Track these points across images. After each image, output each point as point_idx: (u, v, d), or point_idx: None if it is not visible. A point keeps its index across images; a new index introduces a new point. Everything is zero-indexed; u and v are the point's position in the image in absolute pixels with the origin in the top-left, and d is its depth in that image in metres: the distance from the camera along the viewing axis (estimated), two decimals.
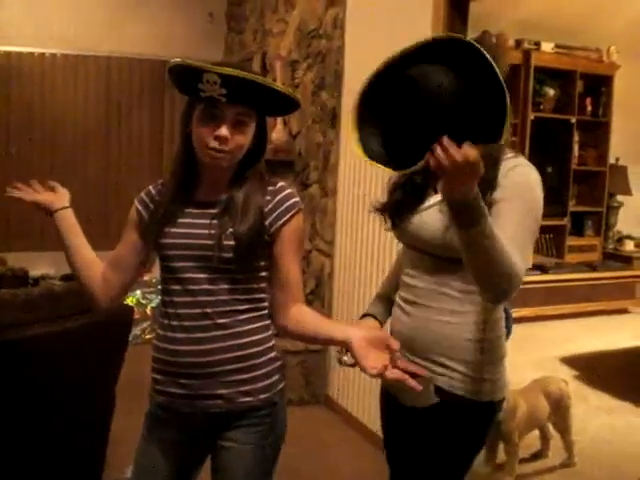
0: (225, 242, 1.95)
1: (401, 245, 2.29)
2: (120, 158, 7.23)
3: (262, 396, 2.04)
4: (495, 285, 1.82)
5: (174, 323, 2.01)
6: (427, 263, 2.10)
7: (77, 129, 7.04)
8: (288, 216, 2.03)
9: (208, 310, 1.99)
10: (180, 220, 2.02)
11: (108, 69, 7.09)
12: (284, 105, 2.07)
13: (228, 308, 2.00)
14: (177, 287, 2.01)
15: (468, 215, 1.70)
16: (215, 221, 1.99)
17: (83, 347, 3.07)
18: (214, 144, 1.93)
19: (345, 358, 2.14)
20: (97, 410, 3.28)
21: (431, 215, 2.04)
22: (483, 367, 2.06)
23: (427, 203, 2.08)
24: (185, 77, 1.94)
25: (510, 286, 1.81)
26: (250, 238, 1.97)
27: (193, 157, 2.02)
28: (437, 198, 2.04)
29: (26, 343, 2.86)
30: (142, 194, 2.15)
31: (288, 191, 2.06)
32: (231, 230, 1.96)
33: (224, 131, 1.92)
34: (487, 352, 2.07)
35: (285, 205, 2.03)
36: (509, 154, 2.03)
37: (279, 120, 5.50)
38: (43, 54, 6.84)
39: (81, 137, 7.05)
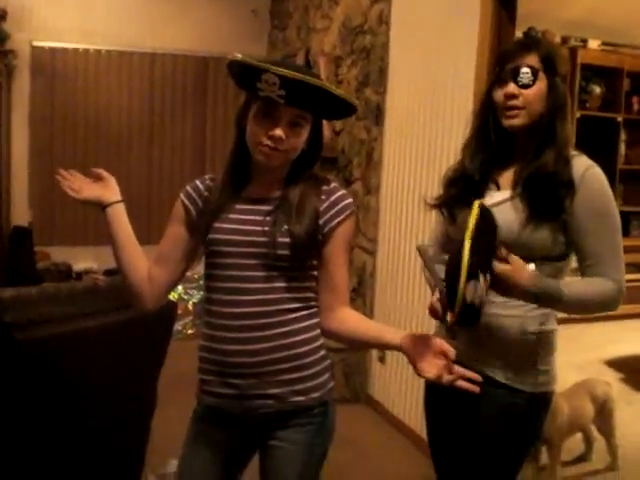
0: (280, 239, 1.93)
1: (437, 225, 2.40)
2: (162, 155, 7.25)
3: (313, 395, 2.03)
4: (601, 311, 2.05)
5: (222, 322, 1.98)
6: None
7: (120, 125, 7.08)
8: (342, 217, 2.02)
9: (258, 309, 1.96)
10: (231, 216, 1.99)
11: (152, 65, 7.12)
12: (341, 109, 2.05)
13: (279, 307, 1.98)
14: (226, 284, 1.98)
15: (545, 301, 1.98)
16: (269, 218, 1.97)
17: (126, 342, 3.07)
18: (267, 142, 1.91)
19: None
20: (139, 406, 3.28)
21: (504, 212, 2.05)
22: (539, 359, 2.12)
23: (493, 199, 2.12)
24: (244, 74, 1.95)
25: (615, 305, 2.06)
26: (307, 236, 1.95)
27: (246, 154, 2.01)
28: (505, 194, 2.12)
29: (69, 337, 2.87)
30: (188, 188, 2.12)
31: (342, 192, 2.05)
32: (286, 227, 1.94)
33: (279, 132, 1.91)
34: (544, 344, 2.13)
35: (339, 206, 2.02)
36: (573, 151, 2.11)
37: None
38: (87, 50, 6.88)
39: (124, 134, 7.09)
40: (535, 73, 2.07)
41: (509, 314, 2.10)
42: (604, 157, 7.87)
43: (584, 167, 2.04)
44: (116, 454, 3.18)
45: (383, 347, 2.06)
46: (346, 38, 5.47)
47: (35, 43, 6.69)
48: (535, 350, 2.12)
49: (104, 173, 2.14)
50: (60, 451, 2.91)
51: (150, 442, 3.38)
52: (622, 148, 8.10)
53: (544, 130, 2.08)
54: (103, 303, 3.03)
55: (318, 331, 2.07)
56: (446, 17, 4.12)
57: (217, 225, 1.98)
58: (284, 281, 1.98)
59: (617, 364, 5.99)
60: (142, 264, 2.08)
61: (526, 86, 2.07)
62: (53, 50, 6.78)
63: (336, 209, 2.01)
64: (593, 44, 7.60)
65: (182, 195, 2.12)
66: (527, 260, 1.99)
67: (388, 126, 4.84)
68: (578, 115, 7.53)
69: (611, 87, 7.93)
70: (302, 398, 2.01)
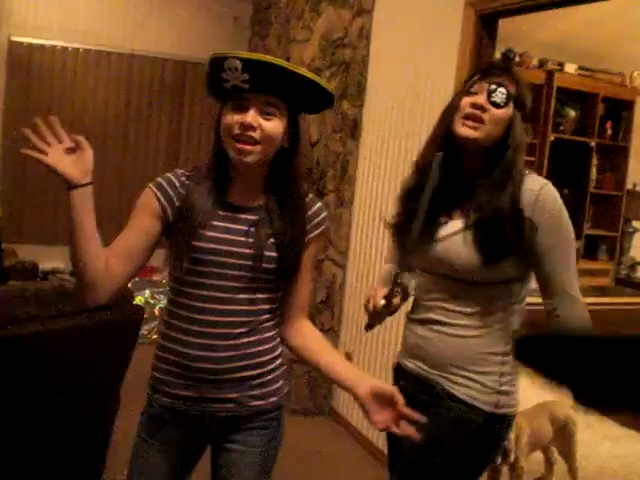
0: (267, 253, 1.93)
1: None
2: (136, 157, 7.22)
3: (271, 399, 2.07)
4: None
5: (192, 328, 1.96)
6: (446, 285, 2.17)
7: (95, 125, 7.03)
8: (319, 231, 2.05)
9: (233, 319, 1.96)
10: (215, 223, 1.95)
11: (130, 67, 7.09)
12: (317, 99, 2.01)
13: (253, 318, 1.99)
14: (202, 292, 1.95)
15: None
16: (253, 229, 1.95)
17: (91, 345, 3.04)
18: (239, 131, 1.87)
19: None
20: (101, 409, 3.25)
21: (459, 246, 2.08)
22: (502, 379, 2.13)
23: (446, 231, 2.13)
24: (212, 73, 1.92)
25: (588, 320, 2.15)
26: (293, 250, 1.97)
27: (226, 159, 1.97)
28: (457, 224, 2.12)
29: (33, 338, 2.84)
30: (162, 182, 2.01)
31: (320, 204, 2.08)
32: (272, 241, 1.94)
33: (249, 117, 1.86)
34: (507, 364, 2.13)
35: (318, 219, 2.05)
36: (525, 170, 2.11)
37: None
38: (66, 48, 6.83)
39: (99, 133, 7.04)
40: (509, 98, 2.06)
41: (474, 334, 2.13)
42: (575, 180, 7.98)
43: (538, 186, 2.05)
44: (77, 456, 3.15)
45: (338, 384, 2.04)
46: (326, 50, 5.47)
47: (13, 38, 6.64)
48: (497, 371, 2.13)
49: (84, 143, 1.91)
50: (20, 451, 2.87)
51: (111, 446, 3.36)
52: (593, 172, 8.18)
53: (502, 162, 2.06)
54: (70, 305, 3.00)
55: (279, 339, 2.10)
56: (427, 34, 4.14)
57: (202, 232, 1.93)
58: (263, 292, 1.99)
59: None
60: (100, 254, 1.91)
61: (497, 105, 2.05)
62: (31, 46, 6.72)
63: (314, 222, 2.03)
64: (570, 68, 7.67)
65: (154, 188, 2.01)
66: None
67: (364, 140, 4.85)
68: (552, 138, 7.60)
69: (586, 112, 8.01)
70: (261, 402, 2.04)
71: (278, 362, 2.09)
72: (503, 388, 2.13)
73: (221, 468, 2.10)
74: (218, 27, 7.25)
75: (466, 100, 2.08)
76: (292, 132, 1.98)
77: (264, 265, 1.93)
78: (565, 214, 2.06)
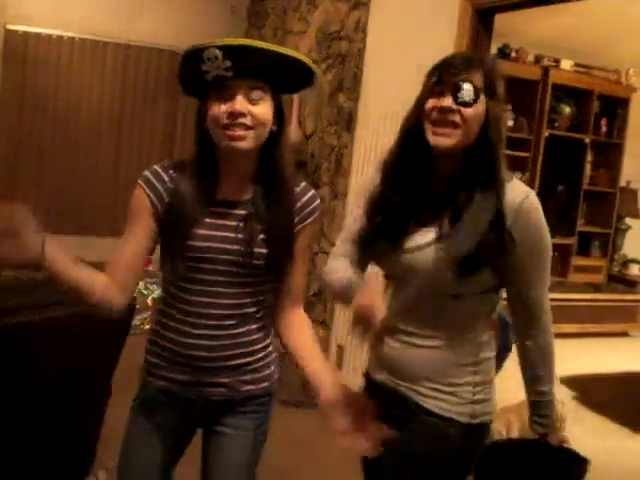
0: (257, 249, 1.92)
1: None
2: (131, 146, 7.20)
3: (263, 385, 2.09)
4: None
5: (188, 319, 1.97)
6: (415, 294, 2.02)
7: (90, 115, 7.01)
8: (311, 219, 2.03)
9: (226, 312, 1.97)
10: (207, 220, 1.92)
11: (125, 57, 7.06)
12: (299, 77, 1.95)
13: (246, 310, 2.00)
14: (196, 287, 1.95)
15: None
16: (242, 224, 1.93)
17: (83, 335, 3.04)
18: (228, 121, 1.81)
19: None
20: (92, 399, 3.25)
21: (431, 257, 1.91)
22: (476, 389, 2.03)
23: (416, 241, 1.95)
24: (189, 68, 1.87)
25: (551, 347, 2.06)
26: (283, 246, 1.96)
27: (212, 153, 1.93)
28: (429, 235, 1.94)
29: (26, 328, 2.83)
30: (151, 177, 1.97)
31: (312, 192, 2.05)
32: (262, 237, 1.93)
33: (238, 105, 1.81)
34: (480, 373, 2.04)
35: (310, 207, 2.02)
36: (506, 176, 1.94)
37: (294, 120, 5.48)
38: (62, 37, 6.80)
39: (94, 123, 7.03)
40: (477, 93, 1.86)
41: (444, 344, 2.01)
42: (569, 177, 8.00)
43: (522, 195, 1.90)
44: (67, 446, 3.15)
45: (307, 380, 2.08)
46: (322, 43, 5.47)
47: (9, 26, 6.60)
48: (470, 380, 2.02)
49: (17, 225, 1.64)
50: (9, 441, 2.87)
51: (102, 435, 3.36)
52: (588, 169, 8.20)
53: (482, 163, 1.90)
54: (62, 294, 2.99)
55: (271, 328, 2.13)
56: (423, 27, 4.14)
57: (194, 231, 1.90)
58: (253, 286, 1.99)
59: (571, 382, 6.04)
60: (97, 281, 1.87)
61: (466, 104, 1.85)
62: (26, 35, 6.69)
63: (307, 210, 2.02)
64: (566, 65, 7.68)
65: (143, 184, 1.97)
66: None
67: (359, 133, 4.85)
68: (546, 134, 7.62)
69: (581, 108, 8.03)
70: (253, 387, 2.06)
71: (269, 350, 2.11)
72: (477, 397, 2.02)
73: (212, 451, 2.12)
74: (215, 18, 7.22)
75: (431, 103, 1.90)
76: (277, 116, 1.92)
77: (254, 262, 1.93)
78: (546, 227, 1.95)
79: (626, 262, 8.58)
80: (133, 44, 7.03)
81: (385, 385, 2.11)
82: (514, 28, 6.33)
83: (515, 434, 3.74)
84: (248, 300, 2.00)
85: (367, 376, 2.24)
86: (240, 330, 2.00)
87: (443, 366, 2.01)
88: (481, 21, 3.67)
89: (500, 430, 3.59)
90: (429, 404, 2.01)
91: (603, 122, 8.19)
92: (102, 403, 3.31)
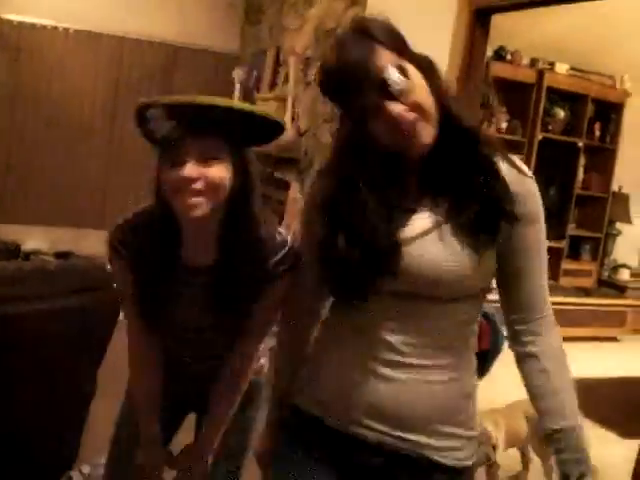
0: (208, 324, 1.87)
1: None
2: (124, 138, 7.17)
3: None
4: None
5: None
6: (420, 310, 1.56)
7: (83, 106, 7.00)
8: (286, 276, 1.81)
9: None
10: (175, 290, 1.83)
11: (120, 49, 7.04)
12: (263, 128, 1.74)
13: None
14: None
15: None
16: (202, 293, 1.81)
17: (69, 327, 3.02)
18: (180, 187, 1.64)
19: None
20: (77, 393, 3.23)
21: (435, 246, 1.52)
22: (474, 421, 1.68)
23: (411, 230, 1.54)
24: (139, 125, 1.72)
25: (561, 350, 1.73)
26: (233, 320, 1.85)
27: (170, 215, 1.75)
28: (426, 220, 1.54)
29: (11, 319, 2.81)
30: (119, 247, 1.84)
31: (288, 246, 1.82)
32: (215, 309, 1.82)
33: (187, 170, 1.62)
34: (475, 402, 1.69)
35: (285, 266, 1.80)
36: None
37: (288, 117, 5.46)
38: (56, 27, 6.78)
39: (87, 115, 7.02)
40: (404, 71, 1.46)
41: (455, 376, 1.61)
42: (562, 180, 8.00)
43: (515, 166, 1.59)
44: (51, 440, 3.13)
45: None
46: (319, 40, 5.45)
47: (4, 16, 6.57)
48: (473, 412, 1.66)
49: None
50: None
51: (85, 431, 3.34)
52: (580, 173, 8.21)
53: (461, 132, 1.53)
54: (50, 286, 2.97)
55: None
56: (419, 27, 4.09)
57: (167, 308, 1.85)
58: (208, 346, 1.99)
59: None
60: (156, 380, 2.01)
61: (401, 91, 1.46)
62: (20, 24, 6.66)
63: (280, 269, 1.80)
64: (561, 68, 7.68)
65: (120, 246, 1.84)
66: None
67: None
68: (540, 137, 7.62)
69: (575, 112, 8.03)
70: None
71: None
72: (476, 431, 1.70)
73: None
74: (211, 13, 7.20)
75: (378, 117, 1.47)
76: (240, 169, 1.73)
77: (205, 335, 1.91)
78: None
79: (616, 267, 8.58)
80: (128, 36, 7.00)
81: (377, 440, 1.59)
82: (510, 31, 6.31)
83: (502, 436, 3.73)
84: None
85: (301, 416, 1.71)
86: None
87: (457, 401, 1.61)
88: (478, 21, 3.65)
89: (488, 427, 3.58)
90: (447, 459, 1.60)
91: (597, 126, 8.19)
92: (87, 396, 3.29)
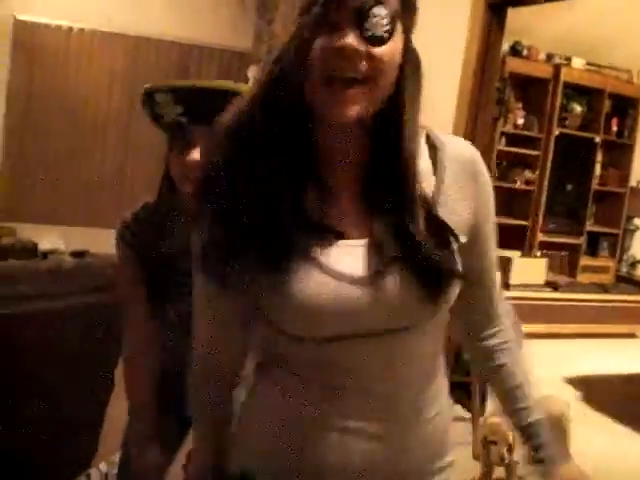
0: None
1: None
2: (140, 138, 7.18)
3: None
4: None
5: None
6: (398, 342, 1.20)
7: (99, 107, 7.01)
8: None
9: None
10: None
11: (135, 49, 7.04)
12: None
13: None
14: None
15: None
16: None
17: (86, 326, 3.03)
18: (189, 173, 1.67)
19: None
20: (95, 391, 3.24)
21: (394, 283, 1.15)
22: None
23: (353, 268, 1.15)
24: (147, 109, 1.75)
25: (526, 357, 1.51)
26: None
27: (177, 199, 1.78)
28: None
29: (28, 318, 2.82)
30: (126, 234, 1.87)
31: None
32: None
33: (194, 155, 1.67)
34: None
35: None
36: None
37: None
38: (71, 28, 6.79)
39: (102, 116, 7.02)
40: (393, 19, 1.14)
41: (437, 412, 1.32)
42: (579, 176, 7.96)
43: (470, 148, 1.31)
44: (69, 439, 3.14)
45: None
46: None
47: (19, 16, 6.59)
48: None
49: None
50: (9, 433, 2.86)
51: (103, 429, 3.35)
52: (597, 169, 8.16)
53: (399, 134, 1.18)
54: (67, 285, 2.98)
55: None
56: (434, 21, 4.09)
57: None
58: None
59: (577, 382, 6.02)
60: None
61: (378, 40, 1.11)
62: (36, 25, 6.67)
63: None
64: (577, 63, 7.65)
65: (125, 247, 1.88)
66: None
67: None
68: (557, 133, 7.58)
69: (592, 107, 7.99)
70: None
71: None
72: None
73: None
74: (224, 11, 7.19)
75: (325, 44, 1.09)
76: None
77: None
78: None
79: (634, 263, 8.54)
80: (142, 35, 7.01)
81: None
82: (526, 26, 6.29)
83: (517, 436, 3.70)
84: None
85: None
86: None
87: (445, 431, 1.36)
88: (495, 14, 3.63)
89: (503, 427, 3.56)
90: None
91: (614, 122, 8.15)
92: (105, 395, 3.29)
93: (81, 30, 6.82)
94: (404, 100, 1.18)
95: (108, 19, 6.84)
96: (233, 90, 1.59)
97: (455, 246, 1.19)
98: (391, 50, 1.13)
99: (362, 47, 1.08)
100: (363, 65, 1.09)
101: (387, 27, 1.11)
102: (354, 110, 1.10)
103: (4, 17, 6.52)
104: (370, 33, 1.09)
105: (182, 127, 1.65)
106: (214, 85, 1.61)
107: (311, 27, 1.09)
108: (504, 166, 7.61)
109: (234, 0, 7.23)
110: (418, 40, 1.49)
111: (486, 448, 3.55)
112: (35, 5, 6.61)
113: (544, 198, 7.53)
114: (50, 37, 6.74)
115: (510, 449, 3.61)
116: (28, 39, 6.67)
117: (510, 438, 3.58)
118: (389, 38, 1.12)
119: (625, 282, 8.27)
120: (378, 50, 1.10)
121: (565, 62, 7.60)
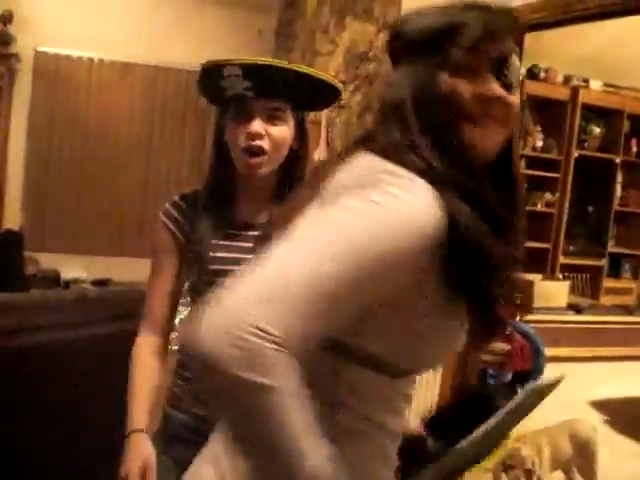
0: None
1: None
2: (160, 168, 7.24)
3: None
4: None
5: None
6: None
7: (119, 136, 7.07)
8: None
9: None
10: (222, 243, 1.87)
11: (155, 78, 7.12)
12: (323, 95, 1.90)
13: None
14: None
15: None
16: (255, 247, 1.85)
17: (111, 355, 3.03)
18: (246, 143, 1.78)
19: None
20: (115, 420, 3.24)
21: None
22: None
23: None
24: (209, 80, 1.84)
25: None
26: None
27: (230, 170, 1.89)
28: None
29: (53, 346, 2.83)
30: (171, 210, 1.99)
31: None
32: None
33: (256, 126, 1.77)
34: None
35: None
36: None
37: (322, 140, 5.47)
38: (92, 59, 6.88)
39: (123, 145, 7.08)
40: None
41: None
42: (600, 198, 7.93)
43: None
44: (86, 467, 3.14)
45: None
46: (350, 64, 5.47)
47: (39, 48, 6.69)
48: None
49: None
50: (31, 463, 2.86)
51: (113, 454, 3.34)
52: (618, 190, 8.12)
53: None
54: (91, 313, 3.00)
55: None
56: None
57: (211, 255, 1.86)
58: None
59: (603, 406, 5.96)
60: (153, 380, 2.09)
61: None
62: (57, 56, 6.78)
63: None
64: (595, 85, 7.64)
65: (164, 218, 1.99)
66: None
67: None
68: (576, 155, 7.56)
69: (611, 128, 7.96)
70: None
71: None
72: None
73: None
74: (242, 40, 7.24)
75: (492, 91, 1.20)
76: (299, 133, 1.89)
77: None
78: None
79: None
80: (162, 66, 7.08)
81: None
82: (543, 49, 6.28)
83: (546, 456, 3.68)
84: None
85: None
86: None
87: None
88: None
89: (522, 451, 3.53)
90: None
91: (633, 142, 8.11)
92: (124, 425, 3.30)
93: (101, 61, 6.91)
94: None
95: (126, 50, 6.92)
96: (295, 70, 1.77)
97: None
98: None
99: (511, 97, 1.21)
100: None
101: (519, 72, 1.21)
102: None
103: (25, 49, 6.61)
104: (509, 82, 1.21)
105: (245, 100, 1.76)
106: (282, 65, 1.75)
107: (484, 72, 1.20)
108: (524, 189, 7.59)
109: (252, 29, 7.29)
110: None
111: (505, 472, 3.54)
112: (56, 37, 6.69)
113: (565, 220, 7.49)
114: (71, 68, 6.84)
115: (529, 474, 3.58)
116: (50, 71, 6.76)
117: (529, 463, 3.55)
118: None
119: None
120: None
121: (583, 84, 7.59)
